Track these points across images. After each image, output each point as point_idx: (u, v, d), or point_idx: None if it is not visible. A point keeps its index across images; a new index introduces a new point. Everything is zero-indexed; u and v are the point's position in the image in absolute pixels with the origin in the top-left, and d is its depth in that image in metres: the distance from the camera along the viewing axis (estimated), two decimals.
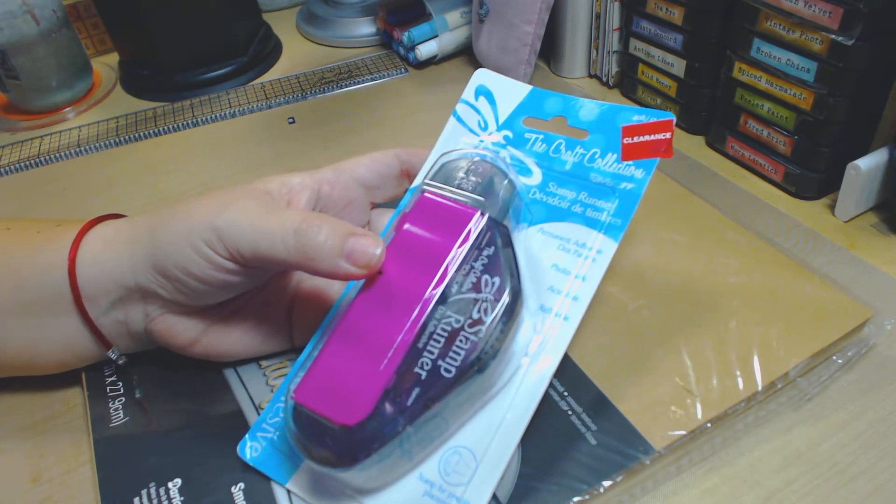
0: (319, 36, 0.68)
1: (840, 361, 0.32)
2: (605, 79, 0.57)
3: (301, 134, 0.55)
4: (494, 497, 0.27)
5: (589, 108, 0.32)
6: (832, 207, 0.43)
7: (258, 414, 0.32)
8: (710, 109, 0.49)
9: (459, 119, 0.34)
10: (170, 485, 0.29)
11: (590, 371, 0.32)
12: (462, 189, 0.29)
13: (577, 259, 0.29)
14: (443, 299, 0.26)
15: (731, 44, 0.44)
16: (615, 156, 0.30)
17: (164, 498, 0.28)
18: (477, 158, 0.31)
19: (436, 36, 0.61)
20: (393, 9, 0.63)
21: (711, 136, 0.49)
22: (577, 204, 0.30)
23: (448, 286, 0.27)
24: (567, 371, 0.32)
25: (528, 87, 0.33)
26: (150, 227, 0.29)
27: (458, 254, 0.27)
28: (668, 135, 0.29)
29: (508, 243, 0.28)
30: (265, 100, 0.59)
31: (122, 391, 0.33)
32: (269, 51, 0.66)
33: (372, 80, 0.61)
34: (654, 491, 0.29)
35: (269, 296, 0.33)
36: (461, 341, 0.26)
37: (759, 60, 0.42)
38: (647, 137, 0.30)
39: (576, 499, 0.27)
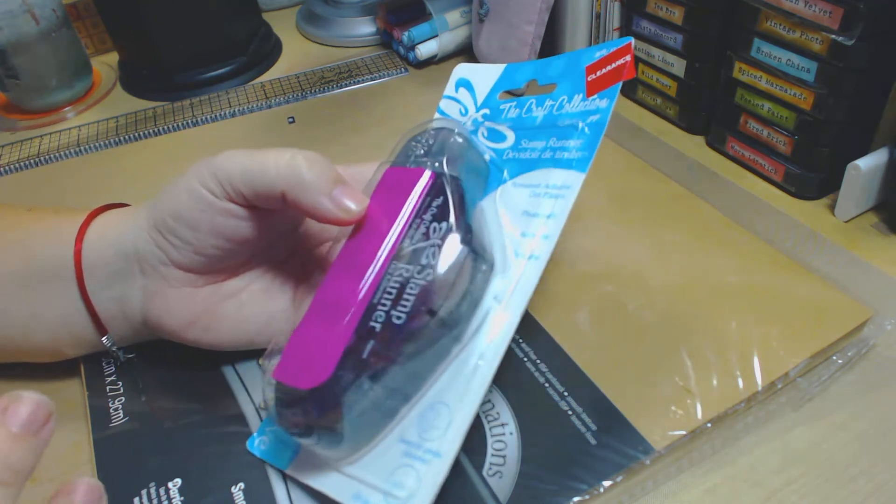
0: (319, 35, 0.68)
1: (840, 361, 0.32)
2: None
3: (301, 134, 0.55)
4: (495, 497, 0.27)
5: (556, 64, 0.32)
6: (832, 207, 0.43)
7: (258, 414, 0.32)
8: (710, 109, 0.49)
9: (442, 113, 0.36)
10: (170, 485, 0.29)
11: (590, 371, 0.32)
12: (416, 154, 0.30)
13: (546, 200, 0.29)
14: (397, 255, 0.27)
15: (731, 44, 0.44)
16: (581, 95, 0.30)
17: (164, 498, 0.28)
18: (432, 128, 0.32)
19: (436, 35, 0.61)
20: (393, 8, 0.63)
21: (711, 136, 0.49)
22: (546, 150, 0.30)
23: (401, 241, 0.27)
24: (567, 371, 0.32)
25: (503, 66, 0.34)
26: (153, 198, 0.31)
27: (409, 210, 0.28)
28: (627, 58, 0.29)
29: (458, 190, 0.29)
30: (265, 99, 0.59)
31: (122, 391, 0.33)
32: (269, 50, 0.66)
33: (372, 79, 0.61)
34: (654, 491, 0.29)
35: (269, 284, 0.33)
36: (411, 288, 0.26)
37: (760, 60, 0.42)
38: (609, 68, 0.30)
39: (576, 499, 0.27)
